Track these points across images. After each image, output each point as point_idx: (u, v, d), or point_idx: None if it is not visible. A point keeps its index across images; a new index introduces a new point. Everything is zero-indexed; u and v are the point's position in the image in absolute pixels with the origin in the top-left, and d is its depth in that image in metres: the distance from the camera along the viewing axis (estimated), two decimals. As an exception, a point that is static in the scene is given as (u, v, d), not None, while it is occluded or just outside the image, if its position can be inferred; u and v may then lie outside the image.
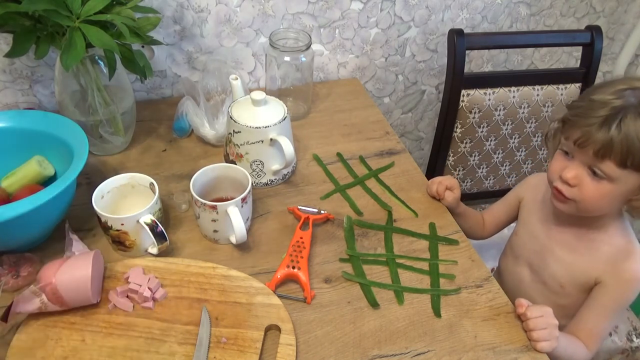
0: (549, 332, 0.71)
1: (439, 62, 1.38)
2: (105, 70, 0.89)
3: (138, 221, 0.75)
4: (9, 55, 0.83)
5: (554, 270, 0.89)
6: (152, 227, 0.75)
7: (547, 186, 0.87)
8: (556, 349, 0.73)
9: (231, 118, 0.89)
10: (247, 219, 0.84)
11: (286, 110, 0.92)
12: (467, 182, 1.36)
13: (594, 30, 1.18)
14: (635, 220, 0.84)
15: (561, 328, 0.84)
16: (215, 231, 0.81)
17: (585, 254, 0.85)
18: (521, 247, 0.96)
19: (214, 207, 0.78)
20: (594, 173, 0.75)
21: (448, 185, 0.93)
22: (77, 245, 0.77)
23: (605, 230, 0.84)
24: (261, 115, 0.89)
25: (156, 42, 0.92)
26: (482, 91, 1.20)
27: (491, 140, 1.29)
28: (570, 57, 1.52)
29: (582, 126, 0.74)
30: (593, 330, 0.82)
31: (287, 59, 1.04)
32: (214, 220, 0.79)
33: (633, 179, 0.73)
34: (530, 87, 1.23)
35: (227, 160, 0.96)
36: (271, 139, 0.88)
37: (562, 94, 1.25)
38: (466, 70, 1.18)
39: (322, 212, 0.88)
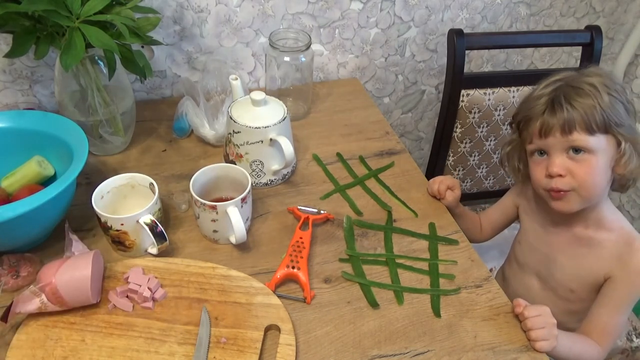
0: (547, 331, 0.71)
1: (438, 62, 1.38)
2: (105, 70, 0.89)
3: (138, 221, 0.75)
4: (8, 55, 0.83)
5: (561, 277, 0.90)
6: (152, 227, 0.75)
7: (535, 193, 0.89)
8: (559, 349, 0.73)
9: (231, 118, 0.89)
10: (247, 219, 0.84)
11: (286, 111, 0.92)
12: (467, 182, 1.36)
13: (594, 30, 1.18)
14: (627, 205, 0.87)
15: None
16: (215, 231, 0.81)
17: (588, 254, 0.86)
18: (525, 257, 0.97)
19: (214, 207, 0.78)
20: (574, 153, 0.78)
21: (449, 184, 0.93)
22: (77, 245, 0.77)
23: (602, 224, 0.85)
24: (261, 115, 0.89)
25: (156, 42, 0.92)
26: (481, 91, 1.20)
27: (491, 140, 1.29)
28: (570, 57, 1.52)
29: (535, 118, 0.80)
30: (606, 327, 0.82)
31: (287, 59, 1.04)
32: (213, 220, 0.79)
33: (606, 144, 0.78)
34: (530, 87, 1.22)
35: (227, 161, 0.96)
36: (271, 139, 0.88)
37: (561, 94, 1.25)
38: (466, 70, 1.18)
39: (322, 212, 0.88)
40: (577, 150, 0.78)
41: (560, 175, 0.79)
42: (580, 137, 0.77)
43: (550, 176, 0.80)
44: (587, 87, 0.77)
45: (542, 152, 0.82)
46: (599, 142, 0.77)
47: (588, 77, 0.79)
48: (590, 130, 0.77)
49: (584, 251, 0.86)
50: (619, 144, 0.78)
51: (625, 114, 0.78)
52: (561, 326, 0.84)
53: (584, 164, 0.78)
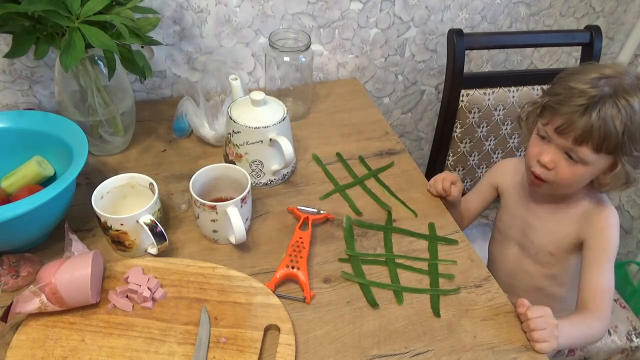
0: (549, 332, 0.72)
1: (438, 62, 1.38)
2: (104, 70, 0.89)
3: (137, 221, 0.75)
4: (8, 55, 0.83)
5: (539, 242, 0.94)
6: (152, 227, 0.75)
7: (523, 170, 0.92)
8: (562, 342, 0.74)
9: (230, 118, 0.89)
10: (247, 219, 0.84)
11: (286, 111, 0.92)
12: (466, 182, 1.36)
13: (594, 30, 1.18)
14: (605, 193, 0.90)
15: (555, 298, 0.92)
16: (214, 231, 0.81)
17: (563, 218, 0.91)
18: (507, 228, 1.01)
19: (214, 207, 0.78)
20: (570, 157, 0.79)
21: (452, 179, 0.95)
22: (76, 245, 0.77)
23: (578, 200, 0.89)
24: (260, 115, 0.89)
25: (156, 43, 0.92)
26: (481, 91, 1.20)
27: (491, 140, 1.29)
28: (569, 57, 1.52)
29: (564, 114, 0.78)
30: (598, 289, 0.82)
31: (286, 59, 1.04)
32: (213, 221, 0.79)
33: (604, 161, 0.80)
34: (530, 87, 1.23)
35: (227, 161, 0.96)
36: (270, 139, 0.88)
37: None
38: (466, 70, 1.18)
39: (322, 212, 0.88)
40: (573, 157, 0.79)
41: (547, 168, 0.82)
42: (585, 152, 0.78)
43: (538, 162, 0.83)
44: (628, 108, 0.74)
45: (544, 137, 0.83)
46: (598, 159, 0.79)
47: (634, 94, 0.75)
48: (599, 150, 0.77)
49: (559, 216, 0.91)
50: (614, 165, 0.79)
51: None
52: (542, 292, 0.93)
53: (572, 169, 0.80)
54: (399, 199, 0.94)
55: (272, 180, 0.94)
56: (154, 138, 1.05)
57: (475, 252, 0.86)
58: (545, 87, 1.23)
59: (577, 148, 0.78)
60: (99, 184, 0.79)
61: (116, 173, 0.83)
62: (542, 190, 0.88)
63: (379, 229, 0.88)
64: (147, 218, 0.75)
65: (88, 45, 0.81)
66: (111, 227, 0.75)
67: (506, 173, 1.01)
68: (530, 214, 0.95)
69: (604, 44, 1.24)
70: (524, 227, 0.97)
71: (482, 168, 1.34)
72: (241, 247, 0.83)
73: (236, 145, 0.90)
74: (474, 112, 1.22)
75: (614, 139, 0.75)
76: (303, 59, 1.05)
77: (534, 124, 0.87)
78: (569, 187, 0.85)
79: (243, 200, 0.79)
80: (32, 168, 0.83)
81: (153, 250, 0.78)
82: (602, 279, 0.83)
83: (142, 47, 1.03)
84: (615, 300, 1.18)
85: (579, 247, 0.90)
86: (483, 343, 0.72)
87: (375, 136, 1.10)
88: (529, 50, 1.46)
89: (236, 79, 0.98)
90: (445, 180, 0.94)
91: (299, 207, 0.89)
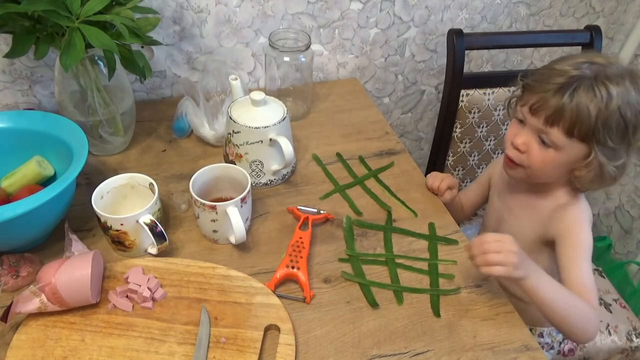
0: (504, 256, 0.68)
1: (438, 62, 1.38)
2: (104, 70, 0.89)
3: (137, 221, 0.75)
4: (8, 55, 0.83)
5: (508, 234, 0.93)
6: (152, 227, 0.75)
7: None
8: (533, 283, 0.71)
9: (230, 118, 0.89)
10: (247, 219, 0.84)
11: (286, 111, 0.92)
12: (466, 182, 1.36)
13: (594, 30, 1.18)
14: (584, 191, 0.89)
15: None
16: (214, 231, 0.81)
17: (530, 216, 0.91)
18: (488, 218, 1.03)
19: (214, 207, 0.78)
20: (543, 141, 0.79)
21: (450, 184, 0.95)
22: (76, 245, 0.77)
23: (552, 196, 0.88)
24: (260, 115, 0.89)
25: (156, 43, 0.92)
26: (481, 91, 1.20)
27: (491, 140, 1.29)
28: (569, 57, 1.52)
29: (538, 92, 0.78)
30: (582, 285, 0.78)
31: (286, 59, 1.04)
32: (213, 221, 0.79)
33: (577, 149, 0.78)
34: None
35: (227, 161, 0.96)
36: (270, 139, 0.88)
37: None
38: (465, 70, 1.18)
39: (322, 212, 0.88)
40: (545, 141, 0.79)
41: (519, 150, 0.82)
42: (557, 135, 0.77)
43: (512, 144, 0.83)
44: (604, 94, 0.73)
45: (521, 120, 0.83)
46: (570, 145, 0.77)
47: (615, 82, 0.74)
48: (570, 134, 0.76)
49: (529, 211, 0.91)
50: (589, 154, 0.77)
51: (618, 138, 0.76)
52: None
53: (544, 153, 0.80)
54: (399, 199, 0.94)
55: (272, 180, 0.94)
56: (154, 138, 1.05)
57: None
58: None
59: (548, 130, 0.77)
60: (99, 184, 0.79)
61: (116, 173, 0.83)
62: (516, 175, 0.86)
63: (379, 229, 0.88)
64: (147, 218, 0.75)
65: (88, 45, 0.81)
66: (111, 227, 0.75)
67: (498, 166, 1.01)
68: (504, 205, 0.97)
69: (604, 44, 1.24)
70: (498, 218, 0.98)
71: (482, 168, 1.34)
72: (241, 247, 0.83)
73: (236, 145, 0.90)
74: (474, 112, 1.22)
75: (586, 123, 0.74)
76: (303, 59, 1.05)
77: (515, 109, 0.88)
78: (542, 174, 0.83)
79: (243, 200, 0.79)
80: (32, 168, 0.83)
81: (153, 250, 0.78)
82: (581, 276, 0.79)
83: (142, 47, 1.03)
84: (615, 300, 1.18)
85: (545, 244, 0.88)
86: (483, 343, 0.72)
87: (375, 136, 1.10)
88: (529, 50, 1.46)
89: (236, 79, 0.98)
90: (443, 181, 0.94)
91: (299, 207, 0.89)
